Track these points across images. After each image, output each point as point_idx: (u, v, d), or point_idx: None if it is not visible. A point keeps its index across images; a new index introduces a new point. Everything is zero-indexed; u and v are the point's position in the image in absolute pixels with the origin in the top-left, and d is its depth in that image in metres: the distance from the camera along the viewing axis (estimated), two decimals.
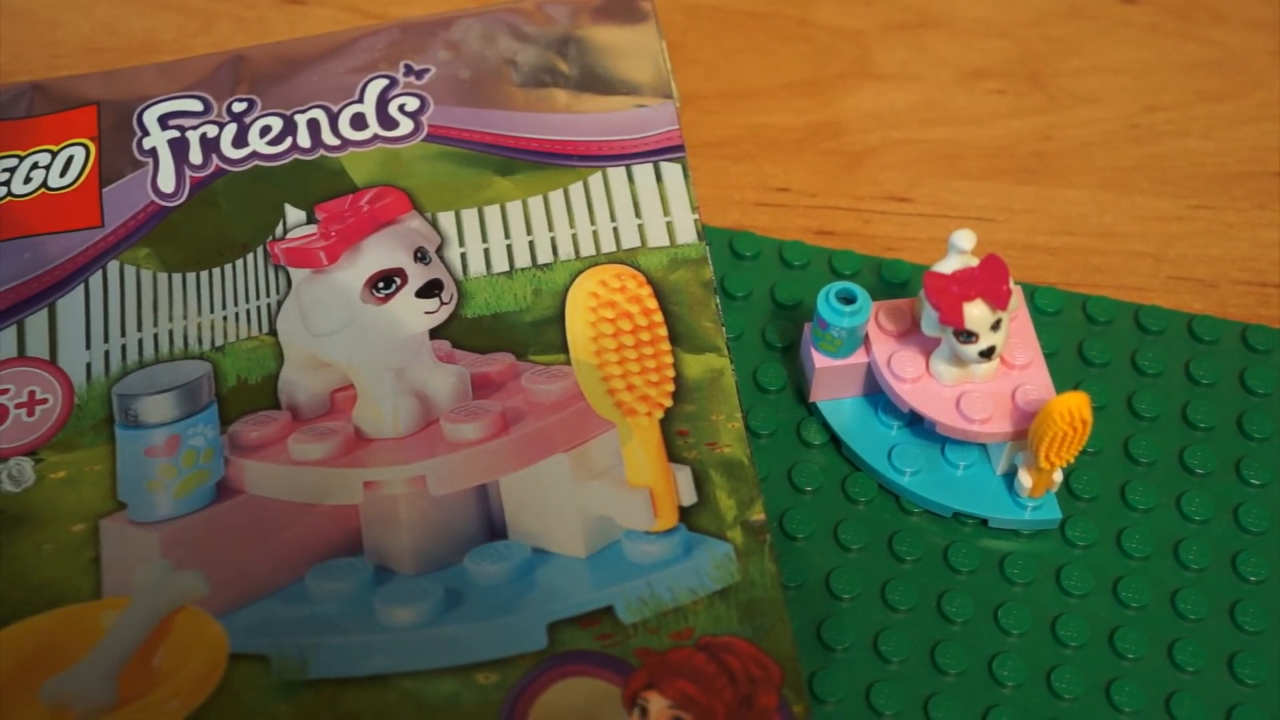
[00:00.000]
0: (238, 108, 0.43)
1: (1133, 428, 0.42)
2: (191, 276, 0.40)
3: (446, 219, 0.41)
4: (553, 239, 0.41)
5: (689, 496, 0.37)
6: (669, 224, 0.41)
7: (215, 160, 0.42)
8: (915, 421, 0.41)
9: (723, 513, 0.36)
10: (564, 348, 0.39)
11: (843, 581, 0.39)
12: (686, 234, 0.41)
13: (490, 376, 0.39)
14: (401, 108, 0.43)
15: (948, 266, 0.38)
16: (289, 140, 0.43)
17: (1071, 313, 0.45)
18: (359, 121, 0.43)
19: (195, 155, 0.42)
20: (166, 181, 0.42)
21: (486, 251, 0.41)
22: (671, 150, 0.42)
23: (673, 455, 0.37)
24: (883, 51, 0.53)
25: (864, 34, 0.54)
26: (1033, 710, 0.37)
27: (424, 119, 0.43)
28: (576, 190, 0.42)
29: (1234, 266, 0.47)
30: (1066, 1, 0.55)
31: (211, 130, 0.43)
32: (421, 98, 0.43)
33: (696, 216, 0.41)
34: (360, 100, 0.43)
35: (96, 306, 0.40)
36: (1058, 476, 0.39)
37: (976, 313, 0.37)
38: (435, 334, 0.39)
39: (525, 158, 0.42)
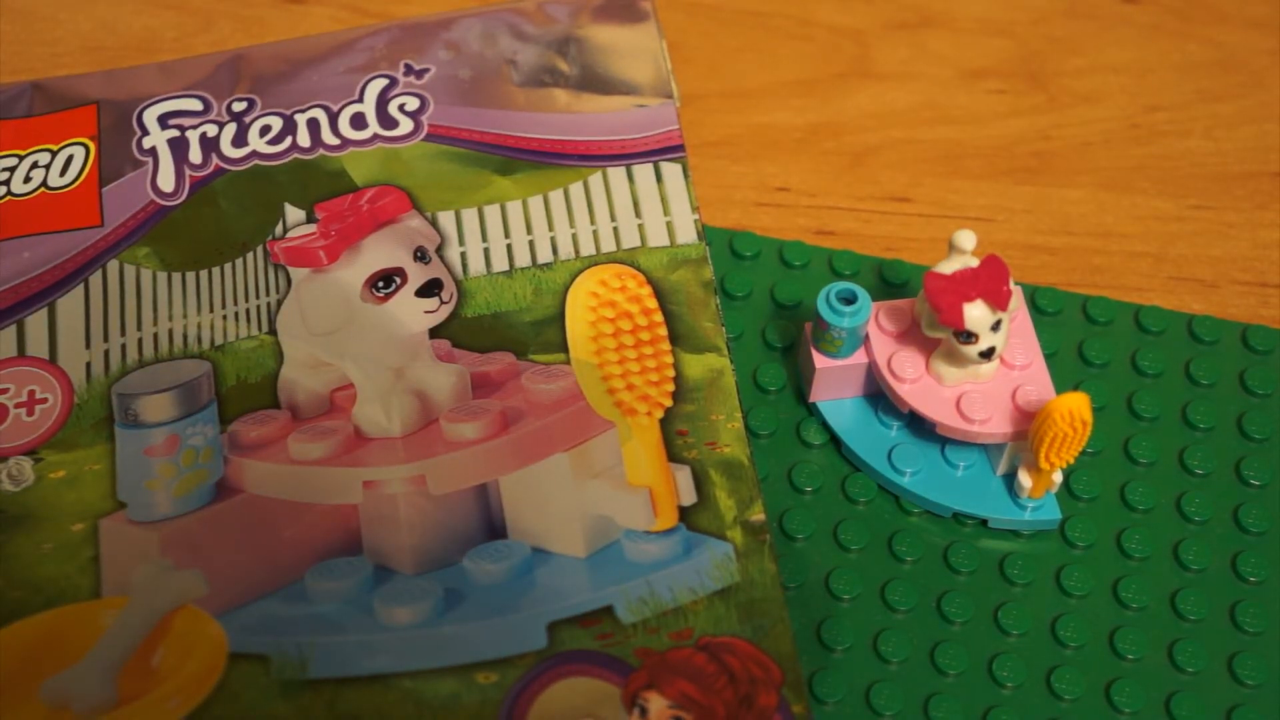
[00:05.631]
0: (237, 107, 0.43)
1: (1133, 428, 0.42)
2: (191, 276, 0.40)
3: (446, 218, 0.41)
4: (553, 238, 0.41)
5: (689, 496, 0.37)
6: (669, 224, 0.41)
7: (215, 159, 0.42)
8: (915, 422, 0.41)
9: (722, 513, 0.36)
10: (564, 347, 0.39)
11: (842, 582, 0.39)
12: (686, 234, 0.41)
13: (490, 376, 0.39)
14: (401, 107, 0.43)
15: (948, 267, 0.38)
16: (289, 140, 0.43)
17: (1071, 313, 0.45)
18: (359, 121, 0.43)
19: (195, 154, 0.42)
20: (166, 181, 0.42)
21: (486, 251, 0.41)
22: (671, 150, 0.42)
23: (672, 455, 0.37)
24: (883, 51, 0.53)
25: (864, 33, 0.54)
26: (1033, 711, 0.37)
27: (424, 118, 0.43)
28: (576, 190, 0.42)
29: (1234, 267, 0.47)
30: (1067, 1, 0.55)
31: (211, 129, 0.43)
32: (421, 97, 0.43)
33: (696, 216, 0.41)
34: (360, 100, 0.43)
35: (96, 306, 0.40)
36: (1057, 477, 0.39)
37: (976, 313, 0.37)
38: (435, 333, 0.39)
39: (525, 157, 0.42)
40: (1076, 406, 0.36)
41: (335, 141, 0.43)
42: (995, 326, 0.37)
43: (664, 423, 0.38)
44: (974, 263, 0.38)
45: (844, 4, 0.55)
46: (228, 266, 0.40)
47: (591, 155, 0.42)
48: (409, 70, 0.44)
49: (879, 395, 0.41)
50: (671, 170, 0.42)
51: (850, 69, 0.53)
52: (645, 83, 0.44)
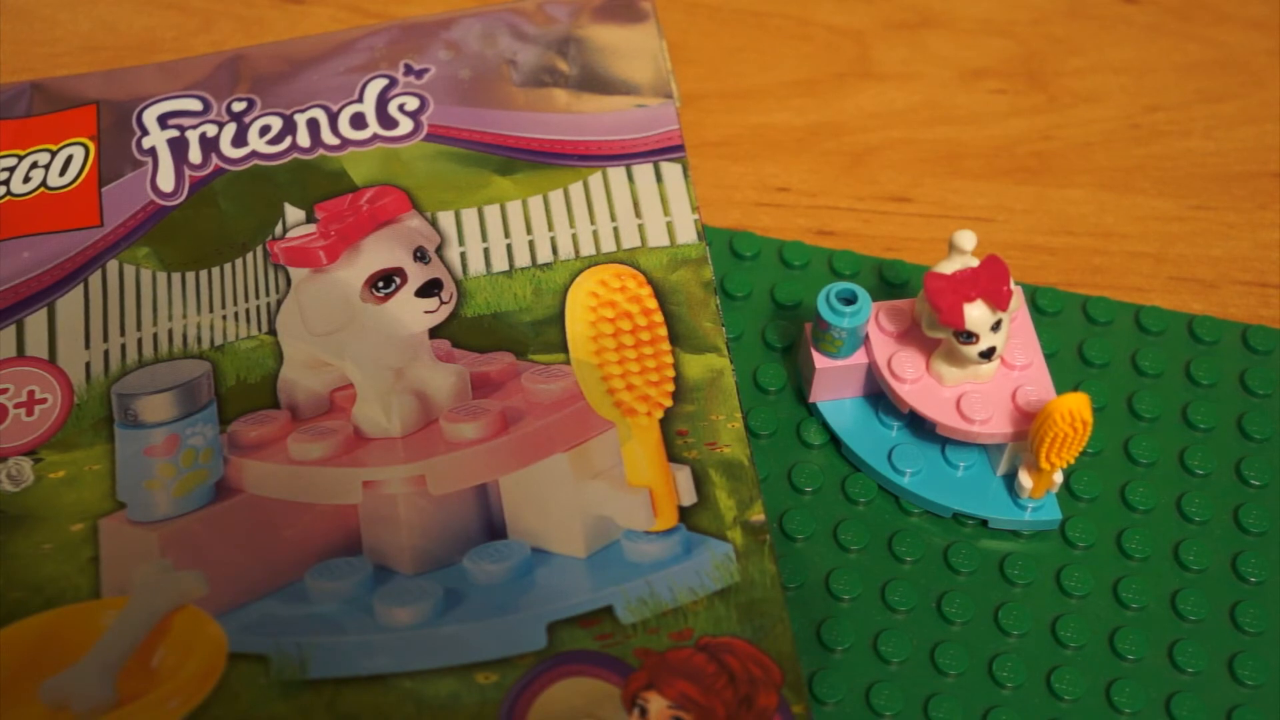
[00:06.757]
0: (237, 107, 0.43)
1: (1133, 428, 0.42)
2: (191, 276, 0.40)
3: (446, 218, 0.41)
4: (552, 239, 0.41)
5: (689, 496, 0.37)
6: (669, 224, 0.41)
7: (215, 159, 0.42)
8: (915, 422, 0.41)
9: (722, 513, 0.36)
10: (564, 347, 0.39)
11: (842, 582, 0.39)
12: (686, 234, 0.41)
13: (490, 376, 0.39)
14: (401, 107, 0.43)
15: (948, 267, 0.38)
16: (288, 140, 0.43)
17: (1071, 313, 0.45)
18: (359, 121, 0.43)
19: (195, 154, 0.42)
20: (166, 181, 0.42)
21: (486, 251, 0.41)
22: (671, 150, 0.42)
23: (672, 455, 0.37)
24: (883, 51, 0.53)
25: (864, 33, 0.54)
26: (1033, 711, 0.37)
27: (424, 118, 0.43)
28: (576, 190, 0.42)
29: (1234, 267, 0.47)
30: (1067, 1, 0.55)
31: (211, 129, 0.43)
32: (421, 97, 0.43)
33: (696, 216, 0.41)
34: (360, 100, 0.43)
35: (96, 306, 0.40)
36: (1058, 477, 0.39)
37: (977, 313, 0.37)
38: (435, 333, 0.39)
39: (525, 157, 0.42)
40: (1076, 406, 0.36)
41: (335, 141, 0.43)
42: (995, 326, 0.37)
43: (664, 423, 0.38)
44: (974, 263, 0.38)
45: (844, 4, 0.55)
46: (227, 267, 0.40)
47: (591, 155, 0.42)
48: (409, 70, 0.44)
49: (879, 395, 0.41)
50: (671, 170, 0.42)
51: (850, 69, 0.53)
52: (645, 83, 0.44)
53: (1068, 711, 0.37)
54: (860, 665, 0.38)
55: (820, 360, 0.41)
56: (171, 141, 0.43)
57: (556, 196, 0.42)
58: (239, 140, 0.43)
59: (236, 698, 0.34)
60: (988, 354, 0.38)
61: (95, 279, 0.40)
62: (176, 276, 0.40)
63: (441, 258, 0.40)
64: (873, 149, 0.50)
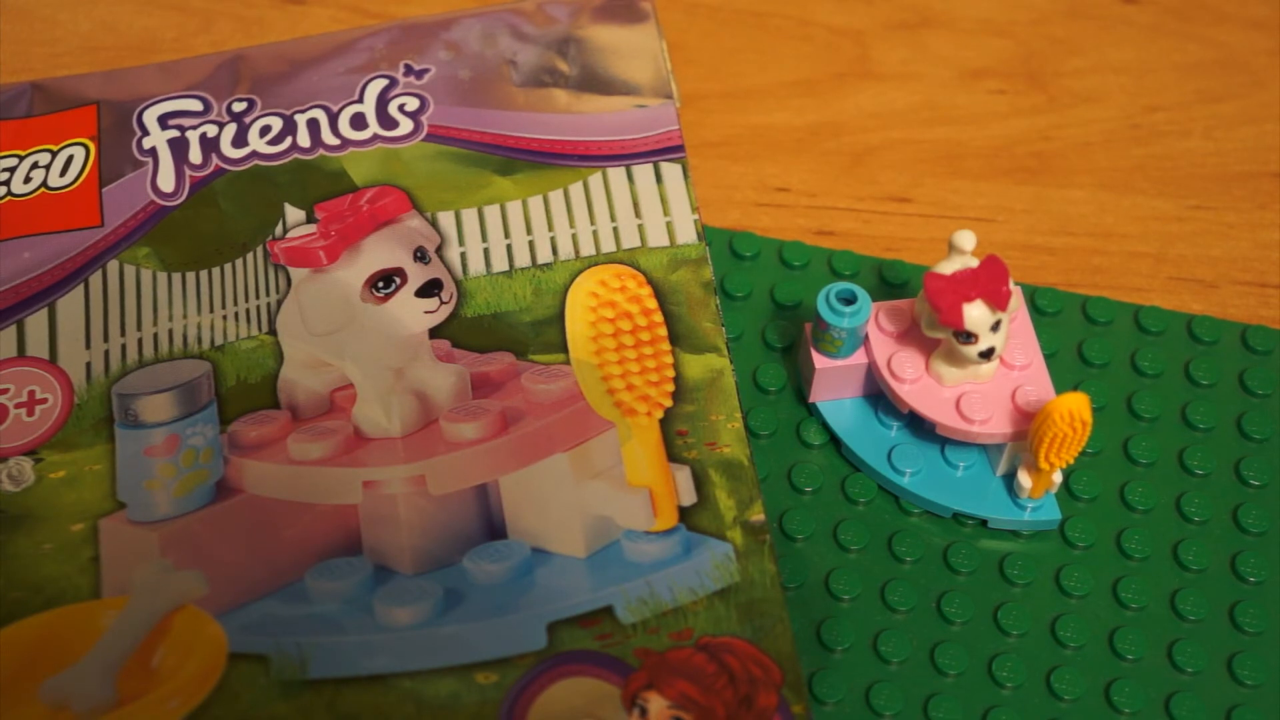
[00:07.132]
0: (237, 107, 0.43)
1: (1132, 428, 0.42)
2: (191, 276, 0.40)
3: (446, 218, 0.41)
4: (552, 239, 0.41)
5: (689, 496, 0.37)
6: (669, 224, 0.41)
7: (215, 160, 0.42)
8: (915, 422, 0.41)
9: (722, 513, 0.36)
10: (564, 347, 0.39)
11: (842, 582, 0.39)
12: (686, 234, 0.41)
13: (490, 376, 0.39)
14: (401, 107, 0.43)
15: (948, 267, 0.38)
16: (289, 140, 0.43)
17: (1071, 313, 0.45)
18: (359, 121, 0.43)
19: (195, 155, 0.42)
20: (166, 181, 0.42)
21: (486, 251, 0.41)
22: (671, 150, 0.42)
23: (672, 455, 0.37)
24: (883, 51, 0.53)
25: (864, 33, 0.54)
26: (1033, 711, 0.37)
27: (424, 119, 0.43)
28: (576, 190, 0.42)
29: (1234, 267, 0.47)
30: (1067, 1, 0.55)
31: (211, 130, 0.43)
32: (421, 97, 0.43)
33: (696, 217, 0.41)
34: (360, 100, 0.43)
35: (96, 306, 0.40)
36: (1057, 477, 0.39)
37: (976, 313, 0.37)
38: (435, 333, 0.39)
39: (525, 157, 0.42)
40: (1076, 407, 0.36)
41: (335, 142, 0.43)
42: (995, 327, 0.37)
43: (664, 423, 0.38)
44: (974, 263, 0.38)
45: (844, 4, 0.55)
46: (228, 267, 0.40)
47: (591, 155, 0.42)
48: (409, 70, 0.44)
49: (879, 395, 0.41)
50: (671, 170, 0.42)
51: (850, 69, 0.53)
52: (645, 83, 0.44)
53: (1067, 711, 0.37)
54: (860, 665, 0.38)
55: (820, 360, 0.41)
56: (172, 142, 0.43)
57: (556, 197, 0.42)
58: (239, 140, 0.43)
59: (236, 698, 0.34)
60: (987, 354, 0.38)
61: (96, 279, 0.40)
62: (177, 276, 0.40)
63: (441, 258, 0.40)
64: (873, 149, 0.50)
